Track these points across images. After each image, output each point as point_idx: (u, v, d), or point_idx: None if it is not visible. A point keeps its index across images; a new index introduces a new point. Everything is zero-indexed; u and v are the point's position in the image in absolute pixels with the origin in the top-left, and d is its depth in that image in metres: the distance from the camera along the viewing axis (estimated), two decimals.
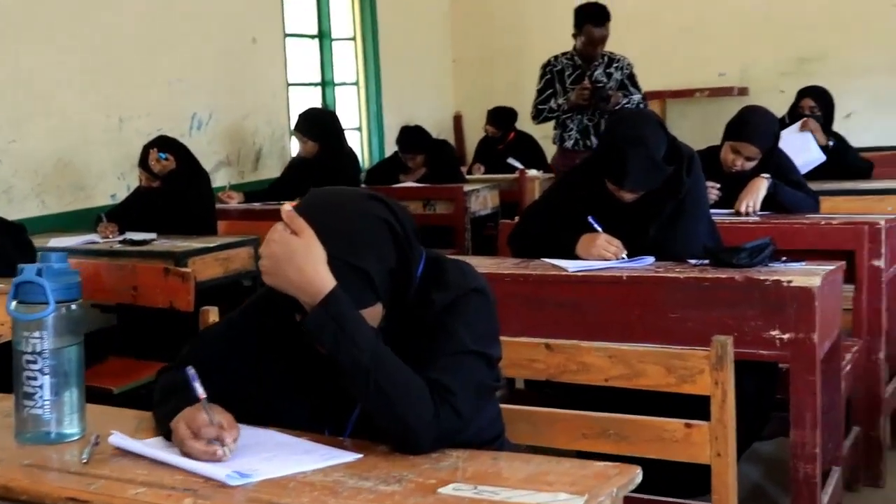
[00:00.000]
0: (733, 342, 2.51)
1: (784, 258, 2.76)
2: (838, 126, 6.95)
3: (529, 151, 7.61)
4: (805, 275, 2.56)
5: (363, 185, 6.51)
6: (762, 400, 3.04)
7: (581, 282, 2.80)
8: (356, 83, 7.89)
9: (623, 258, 2.91)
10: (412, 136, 6.52)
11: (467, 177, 6.91)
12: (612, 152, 2.93)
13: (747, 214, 3.77)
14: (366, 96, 7.91)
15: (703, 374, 2.00)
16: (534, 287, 2.86)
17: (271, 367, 1.76)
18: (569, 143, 5.58)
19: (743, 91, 7.67)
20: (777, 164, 3.94)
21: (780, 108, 5.31)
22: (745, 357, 2.61)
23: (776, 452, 3.58)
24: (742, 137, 3.86)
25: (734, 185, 3.87)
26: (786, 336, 2.54)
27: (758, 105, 4.04)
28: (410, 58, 8.28)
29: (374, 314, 1.66)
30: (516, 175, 6.80)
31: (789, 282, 2.53)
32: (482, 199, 6.14)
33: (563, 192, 3.23)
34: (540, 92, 5.67)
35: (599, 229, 2.98)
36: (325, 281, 1.58)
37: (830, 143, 4.99)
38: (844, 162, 4.89)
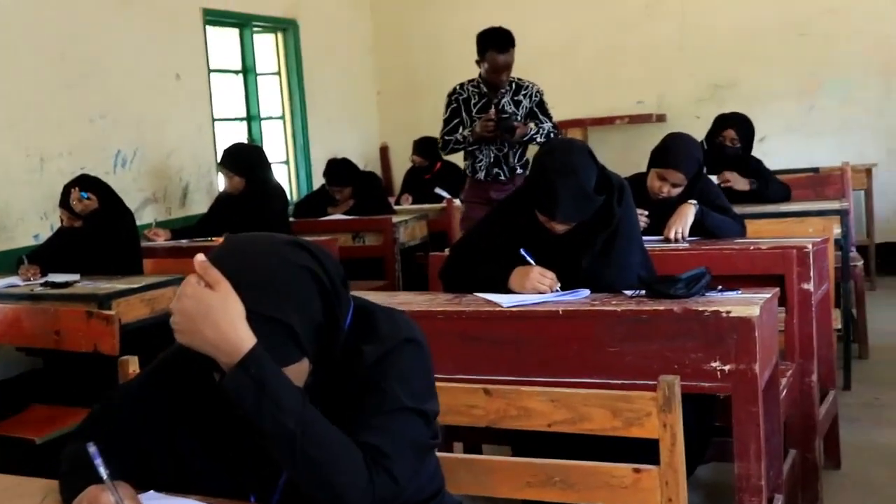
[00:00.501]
0: (672, 374, 2.39)
1: (720, 287, 2.63)
2: (753, 151, 7.11)
3: (456, 181, 7.37)
4: (743, 304, 2.44)
5: (291, 219, 6.33)
6: (703, 428, 2.91)
7: (516, 317, 2.64)
8: (282, 117, 7.69)
9: (557, 291, 2.76)
10: (339, 169, 6.34)
11: (395, 207, 6.75)
12: (542, 183, 2.79)
13: (676, 241, 3.65)
14: (292, 130, 7.72)
15: (651, 416, 1.85)
16: (468, 324, 2.69)
17: (187, 430, 1.58)
18: (480, 175, 5.11)
19: (661, 118, 7.66)
20: (702, 189, 3.84)
21: (697, 134, 5.13)
22: (687, 390, 2.48)
23: (716, 477, 3.47)
24: (667, 164, 3.75)
25: (662, 212, 3.77)
26: (727, 367, 2.41)
27: (681, 132, 3.94)
28: (335, 91, 8.15)
29: (299, 371, 1.48)
30: (444, 205, 6.65)
31: (728, 312, 2.40)
32: (411, 229, 6.00)
33: (495, 225, 3.07)
34: (446, 122, 5.22)
35: (532, 262, 2.82)
36: (243, 338, 1.40)
37: (753, 187, 4.89)
38: (765, 197, 4.80)
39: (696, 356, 2.43)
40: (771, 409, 2.70)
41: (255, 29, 7.37)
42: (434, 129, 7.52)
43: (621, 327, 2.51)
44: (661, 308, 2.48)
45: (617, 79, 7.94)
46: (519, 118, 4.99)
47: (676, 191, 3.78)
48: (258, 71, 7.35)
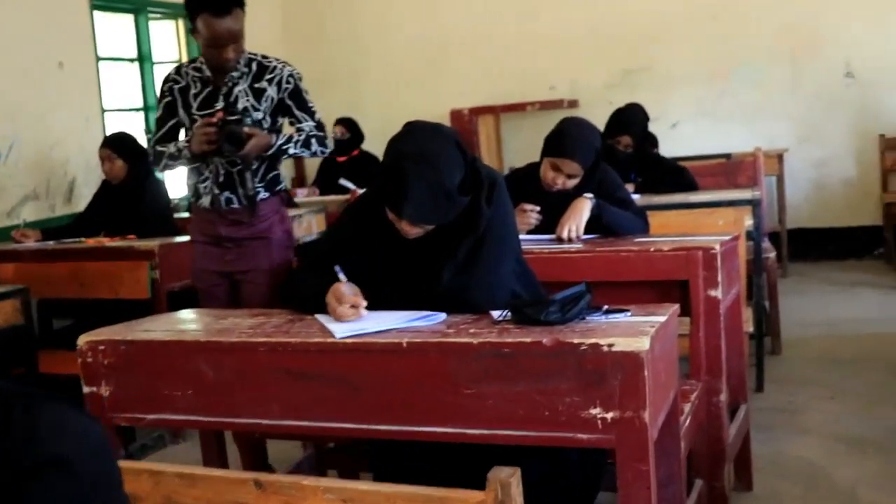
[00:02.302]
0: (542, 423, 1.74)
1: (605, 307, 1.97)
2: (666, 137, 6.61)
3: (371, 171, 6.74)
4: (630, 334, 1.77)
5: (186, 214, 5.58)
6: (590, 468, 2.26)
7: (351, 350, 1.95)
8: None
9: (362, 314, 2.08)
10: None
11: (297, 200, 5.99)
12: (391, 172, 2.11)
13: (570, 241, 2.99)
14: None
15: None
16: (295, 358, 2.00)
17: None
18: (204, 201, 3.25)
19: (573, 103, 7.10)
20: (601, 180, 3.19)
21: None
22: (560, 443, 1.82)
23: None
24: (562, 153, 3.10)
25: (557, 207, 3.10)
26: (609, 415, 1.75)
27: (577, 116, 3.29)
28: None
29: None
30: (347, 196, 5.94)
31: (611, 346, 1.74)
32: (306, 224, 5.21)
33: (345, 230, 2.37)
34: (159, 123, 3.27)
35: (342, 278, 2.14)
36: None
37: (637, 181, 4.35)
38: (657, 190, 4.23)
39: (572, 400, 1.77)
40: (668, 453, 2.05)
41: (152, 15, 6.56)
42: (354, 118, 6.98)
43: (479, 364, 1.83)
44: (528, 340, 1.81)
45: (529, 64, 7.34)
46: (259, 118, 3.16)
47: (572, 182, 3.13)
48: (156, 59, 6.54)
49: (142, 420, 2.21)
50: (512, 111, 7.19)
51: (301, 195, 6.42)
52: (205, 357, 2.09)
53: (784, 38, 6.81)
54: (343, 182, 6.43)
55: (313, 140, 3.25)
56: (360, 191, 6.16)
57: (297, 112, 3.26)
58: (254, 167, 3.21)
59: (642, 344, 1.73)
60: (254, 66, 3.24)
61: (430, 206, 2.08)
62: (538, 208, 3.10)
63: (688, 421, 2.40)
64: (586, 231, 3.04)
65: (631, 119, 4.44)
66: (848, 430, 3.55)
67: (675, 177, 4.35)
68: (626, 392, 1.74)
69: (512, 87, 7.31)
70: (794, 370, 4.36)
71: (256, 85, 3.21)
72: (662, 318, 1.89)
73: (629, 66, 7.12)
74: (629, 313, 1.94)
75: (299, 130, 3.26)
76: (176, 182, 6.09)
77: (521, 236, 2.97)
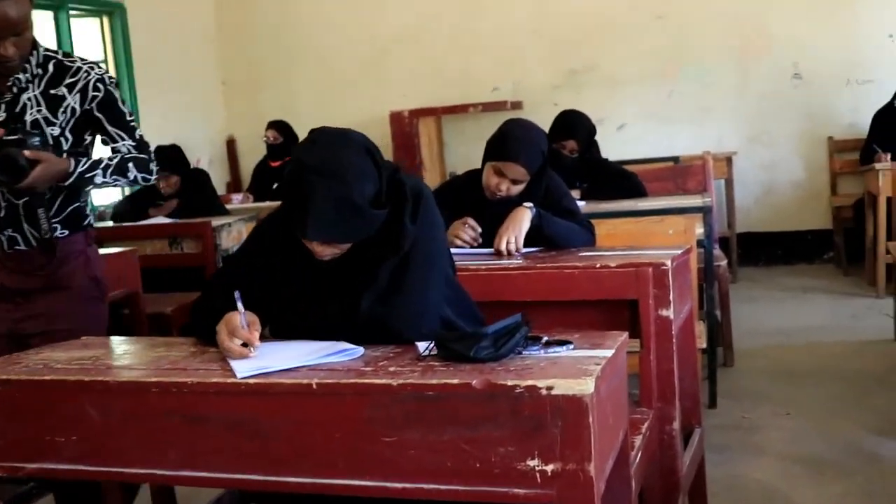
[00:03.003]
0: (473, 476, 1.51)
1: (544, 339, 1.74)
2: (612, 139, 6.59)
3: None
4: (573, 375, 1.55)
5: (106, 224, 5.29)
6: None
7: (255, 392, 1.70)
8: None
9: (254, 351, 1.83)
10: (166, 154, 5.25)
11: (229, 207, 5.74)
12: (292, 189, 1.87)
13: (509, 254, 2.76)
14: None
15: None
16: (191, 400, 1.74)
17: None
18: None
19: (517, 105, 6.89)
20: (548, 187, 2.97)
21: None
22: (491, 498, 1.58)
23: None
24: (506, 156, 2.87)
25: (501, 217, 2.87)
26: (549, 468, 1.53)
27: (522, 118, 3.06)
28: (172, 82, 7.06)
29: None
30: (278, 204, 5.61)
31: (550, 389, 1.51)
32: (235, 233, 4.93)
33: (254, 249, 2.12)
34: None
35: (240, 307, 1.89)
36: None
37: (582, 187, 4.21)
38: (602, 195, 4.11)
39: (506, 451, 1.54)
40: (617, 499, 1.83)
41: (74, 12, 6.22)
42: (287, 120, 6.62)
43: (399, 408, 1.59)
44: (456, 381, 1.57)
45: (471, 65, 7.16)
46: (55, 134, 2.50)
47: (517, 188, 2.90)
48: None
49: (21, 470, 1.93)
50: (454, 113, 6.99)
51: (236, 201, 6.18)
52: (90, 398, 1.83)
53: (731, 38, 6.70)
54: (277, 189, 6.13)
55: (131, 164, 2.56)
56: None
57: (109, 128, 2.56)
58: (47, 197, 2.53)
59: (586, 387, 1.50)
60: (51, 67, 2.51)
61: (336, 222, 1.84)
62: (479, 230, 2.85)
63: (639, 456, 2.19)
64: (528, 243, 2.82)
65: (576, 122, 4.27)
66: (806, 449, 3.38)
67: (622, 182, 4.19)
68: (569, 441, 1.51)
69: (454, 88, 7.12)
70: (747, 383, 4.20)
71: (53, 91, 2.49)
72: (609, 353, 1.67)
73: (574, 66, 6.97)
74: (571, 346, 1.71)
75: (115, 152, 2.58)
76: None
77: (456, 249, 2.78)
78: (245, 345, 1.84)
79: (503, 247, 2.74)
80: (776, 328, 5.09)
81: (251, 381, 1.71)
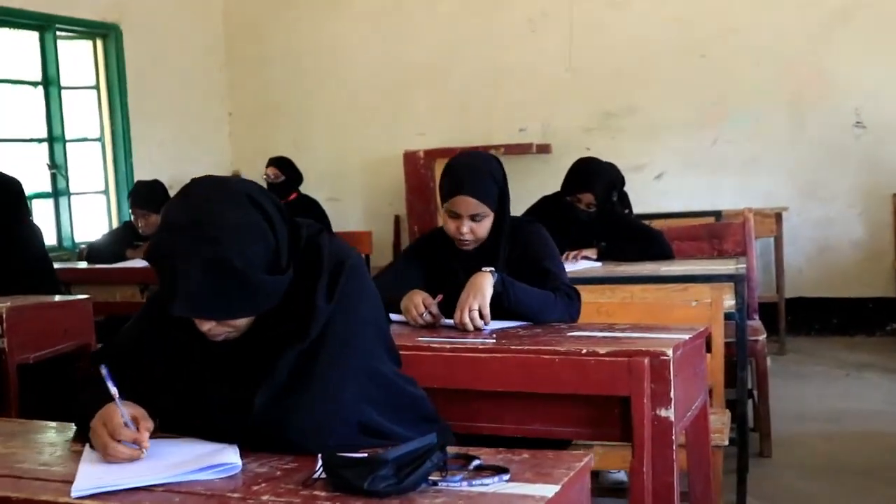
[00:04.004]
0: None
1: (475, 463, 1.37)
2: (649, 189, 6.36)
3: (309, 217, 6.14)
4: None
5: (82, 265, 5.05)
6: None
7: None
8: (100, 139, 6.35)
9: (144, 452, 1.50)
10: (146, 190, 5.07)
11: None
12: (156, 253, 1.57)
13: (475, 329, 2.41)
14: (112, 154, 6.38)
15: None
16: None
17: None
18: None
19: (544, 148, 6.61)
20: (526, 242, 2.68)
21: None
22: None
23: None
24: (451, 192, 2.60)
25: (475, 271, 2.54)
26: None
27: (481, 152, 2.82)
28: (173, 110, 6.92)
29: None
30: None
31: None
32: None
33: (143, 325, 1.80)
34: None
35: (114, 392, 1.55)
36: None
37: (601, 247, 3.96)
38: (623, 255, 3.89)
39: None
40: None
41: (62, 34, 6.03)
42: (295, 155, 6.48)
43: None
44: None
45: (496, 102, 6.91)
46: None
47: (481, 228, 2.62)
48: (66, 84, 6.00)
49: None
50: None
51: None
52: None
53: (785, 81, 6.34)
54: None
55: None
56: None
57: None
58: None
59: None
60: None
61: (208, 292, 1.53)
62: (434, 309, 2.50)
63: None
64: (500, 315, 2.47)
65: (595, 172, 4.00)
66: None
67: (645, 241, 3.91)
68: None
69: (476, 127, 6.87)
70: (786, 480, 3.75)
71: None
72: (552, 491, 1.30)
73: (609, 108, 6.67)
74: (506, 477, 1.34)
75: None
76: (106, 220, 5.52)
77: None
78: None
79: (465, 318, 2.40)
80: (825, 412, 4.65)
81: (86, 502, 1.36)
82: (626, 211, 4.86)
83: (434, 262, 2.72)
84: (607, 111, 6.66)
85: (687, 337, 2.22)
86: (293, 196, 6.35)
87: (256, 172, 7.10)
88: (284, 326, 1.61)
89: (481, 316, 2.39)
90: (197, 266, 1.51)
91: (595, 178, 3.96)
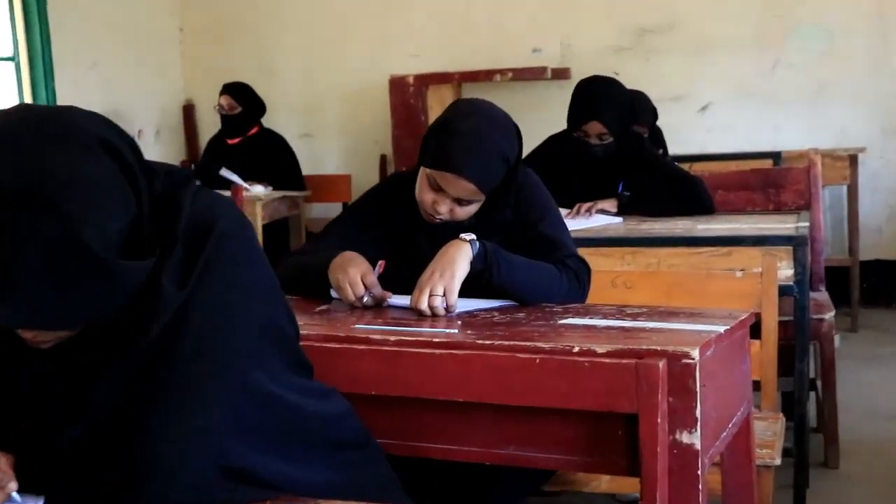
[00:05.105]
0: None
1: None
2: (693, 123, 6.33)
3: (271, 157, 6.15)
4: None
5: None
6: None
7: None
8: (14, 58, 6.14)
9: None
10: None
11: None
12: None
13: (433, 314, 2.12)
14: (30, 77, 6.20)
15: None
16: None
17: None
18: None
19: (561, 73, 6.43)
20: (519, 201, 2.44)
21: None
22: None
23: None
24: (443, 164, 2.32)
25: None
26: None
27: (477, 100, 2.50)
28: (106, 25, 6.67)
29: None
30: (226, 194, 5.05)
31: None
32: None
33: None
34: None
35: None
36: None
37: (623, 200, 3.83)
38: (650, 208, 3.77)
39: None
40: None
41: None
42: (258, 85, 6.31)
43: None
44: None
45: (504, 17, 6.75)
46: None
47: (464, 211, 2.37)
48: None
49: None
50: (475, 81, 6.47)
51: None
52: None
53: None
54: (225, 173, 5.64)
55: None
56: (252, 187, 5.51)
57: None
58: None
59: None
60: None
61: (46, 289, 1.20)
62: (377, 290, 2.22)
63: None
64: (475, 292, 2.21)
65: (600, 94, 3.84)
66: None
67: (676, 191, 3.73)
68: None
69: (479, 48, 6.72)
70: (854, 499, 3.49)
71: None
72: None
73: (644, 22, 6.49)
74: None
75: None
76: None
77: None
78: None
79: (422, 304, 2.11)
80: None
81: None
82: (661, 152, 4.61)
83: (392, 226, 2.46)
84: (641, 27, 6.48)
85: (722, 329, 1.90)
86: (254, 130, 6.18)
87: (211, 102, 6.94)
88: (119, 325, 1.27)
89: (447, 303, 2.12)
90: (30, 252, 1.17)
91: (602, 102, 3.79)
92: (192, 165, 6.77)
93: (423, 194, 2.34)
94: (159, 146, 7.10)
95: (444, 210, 2.31)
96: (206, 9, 7.33)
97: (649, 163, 3.86)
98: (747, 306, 2.65)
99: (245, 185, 5.47)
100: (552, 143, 3.96)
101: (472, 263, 2.15)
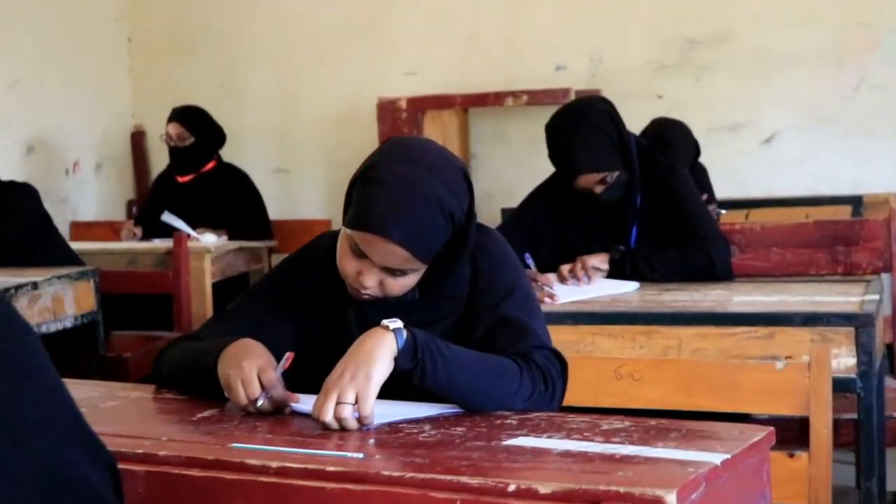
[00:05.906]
0: None
1: None
2: (754, 159, 6.32)
3: (230, 198, 6.17)
4: None
5: None
6: None
7: None
8: None
9: None
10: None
11: (88, 248, 5.54)
12: None
13: (342, 429, 1.96)
14: None
15: None
16: None
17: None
18: None
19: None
20: (477, 271, 2.33)
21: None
22: None
23: None
24: (365, 224, 2.23)
25: None
26: None
27: (413, 139, 2.64)
28: (40, 32, 6.81)
29: None
30: (167, 246, 5.30)
31: None
32: (47, 302, 4.58)
33: None
34: None
35: None
36: None
37: (615, 256, 3.78)
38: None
39: None
40: None
41: None
42: (218, 110, 6.36)
43: None
44: None
45: (522, 28, 6.77)
46: None
47: (399, 285, 2.26)
48: None
49: None
50: (484, 105, 6.59)
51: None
52: None
53: None
54: (168, 218, 5.68)
55: None
56: (201, 235, 5.54)
57: None
58: None
59: None
60: None
61: None
62: (278, 391, 2.08)
63: None
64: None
65: (573, 132, 3.76)
66: None
67: (684, 246, 3.74)
68: None
69: (490, 65, 6.77)
70: None
71: None
72: None
73: (693, 33, 6.44)
74: None
75: None
76: None
77: None
78: None
79: (327, 416, 1.94)
80: None
81: None
82: (704, 197, 4.46)
83: (317, 301, 2.35)
84: (688, 37, 6.44)
85: (719, 460, 1.66)
86: (210, 165, 6.17)
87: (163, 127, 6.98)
88: None
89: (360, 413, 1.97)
90: None
91: (577, 147, 3.70)
92: (134, 209, 6.72)
93: (345, 262, 2.20)
94: (100, 181, 7.16)
95: (372, 283, 2.16)
96: (161, 15, 7.46)
97: (674, 198, 3.77)
98: (792, 408, 2.59)
99: (192, 232, 5.50)
100: (559, 179, 3.88)
101: (397, 360, 1.98)
